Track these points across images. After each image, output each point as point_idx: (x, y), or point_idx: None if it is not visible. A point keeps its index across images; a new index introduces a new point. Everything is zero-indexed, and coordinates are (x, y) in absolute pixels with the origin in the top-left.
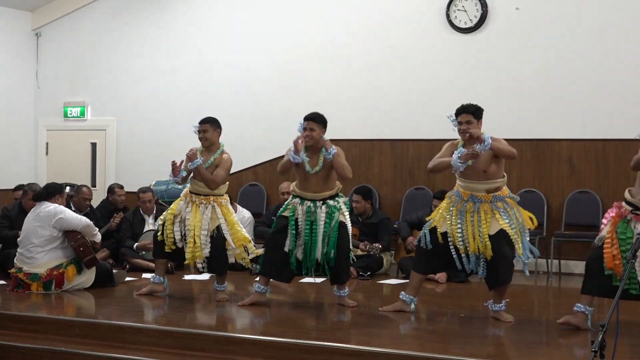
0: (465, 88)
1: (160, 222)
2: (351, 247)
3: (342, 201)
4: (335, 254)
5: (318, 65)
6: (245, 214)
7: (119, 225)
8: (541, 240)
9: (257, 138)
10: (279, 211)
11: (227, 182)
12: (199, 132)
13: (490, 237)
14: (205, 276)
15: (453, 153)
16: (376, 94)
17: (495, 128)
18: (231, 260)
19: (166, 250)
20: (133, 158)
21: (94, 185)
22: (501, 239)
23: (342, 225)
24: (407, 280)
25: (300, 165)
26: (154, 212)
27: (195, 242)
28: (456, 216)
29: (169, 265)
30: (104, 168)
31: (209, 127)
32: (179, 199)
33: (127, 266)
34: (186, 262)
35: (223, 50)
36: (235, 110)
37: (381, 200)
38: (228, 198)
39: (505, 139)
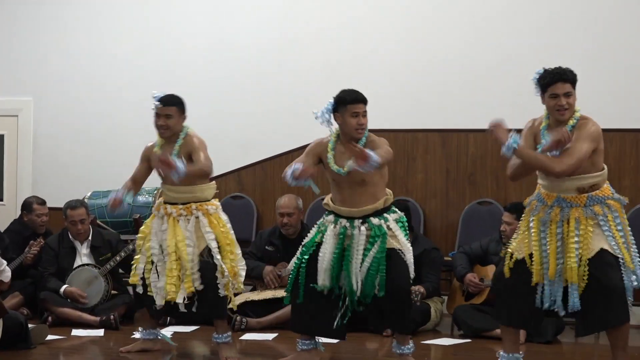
0: (550, 53)
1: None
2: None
3: (393, 218)
4: (383, 293)
5: (328, 32)
6: None
7: (38, 257)
8: None
9: (243, 132)
10: (307, 239)
11: (214, 183)
12: (158, 115)
13: (589, 261)
14: (167, 332)
15: (535, 140)
16: (418, 65)
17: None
18: None
19: (149, 294)
20: (58, 158)
21: (0, 199)
22: (604, 264)
23: (394, 254)
24: (467, 340)
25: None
26: (90, 237)
27: (177, 269)
28: (537, 229)
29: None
30: (15, 172)
31: (175, 111)
32: (151, 217)
33: (50, 318)
34: (168, 298)
35: (195, 12)
36: (212, 95)
37: (427, 221)
38: (219, 204)
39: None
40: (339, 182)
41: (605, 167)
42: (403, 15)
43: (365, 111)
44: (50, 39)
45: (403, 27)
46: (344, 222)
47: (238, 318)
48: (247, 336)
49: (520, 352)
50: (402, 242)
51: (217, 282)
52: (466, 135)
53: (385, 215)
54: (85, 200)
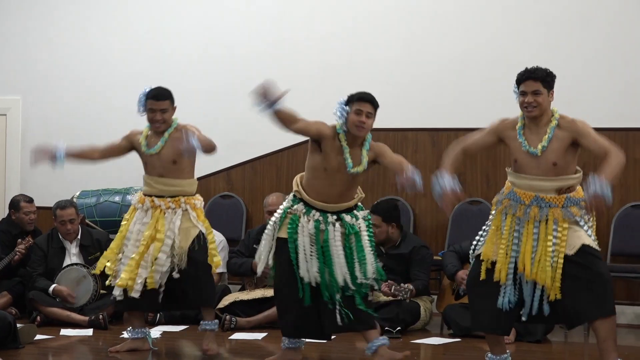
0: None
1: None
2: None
3: (362, 216)
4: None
5: (319, 29)
6: (216, 236)
7: (26, 256)
8: None
9: (232, 130)
10: (270, 232)
11: (196, 180)
12: (153, 111)
13: (569, 258)
14: (157, 331)
15: (499, 138)
16: (409, 64)
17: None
18: None
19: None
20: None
21: None
22: (590, 255)
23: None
24: (457, 340)
25: (328, 149)
26: (79, 236)
27: (137, 259)
28: (510, 227)
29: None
30: (4, 172)
31: (169, 104)
32: (130, 210)
33: (39, 318)
34: (118, 284)
35: (186, 11)
36: (201, 94)
37: (417, 220)
38: (202, 199)
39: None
40: (330, 175)
41: (580, 170)
42: (393, 16)
43: (370, 112)
44: (38, 38)
45: (393, 28)
46: (317, 215)
47: (227, 317)
48: (237, 336)
49: (507, 352)
50: (366, 240)
51: (208, 270)
52: (456, 135)
53: (354, 212)
54: (74, 199)
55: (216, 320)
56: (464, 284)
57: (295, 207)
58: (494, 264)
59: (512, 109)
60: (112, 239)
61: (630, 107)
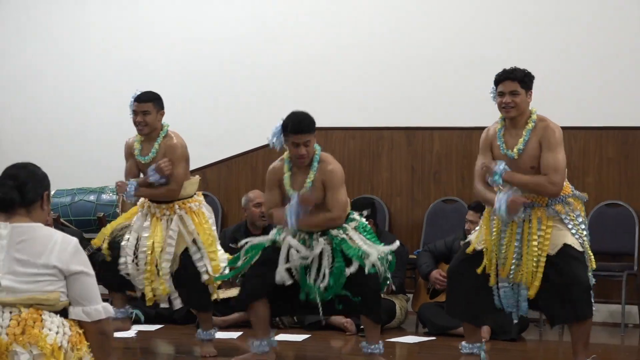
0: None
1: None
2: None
3: (352, 227)
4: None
5: (295, 27)
6: None
7: None
8: (631, 278)
9: (207, 130)
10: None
11: (198, 177)
12: (136, 113)
13: (550, 258)
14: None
15: (493, 150)
16: (384, 63)
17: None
18: None
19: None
20: (22, 157)
21: None
22: (569, 257)
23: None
24: (432, 338)
25: (280, 182)
26: None
27: (153, 272)
28: (498, 228)
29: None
30: None
31: (152, 107)
32: (132, 210)
33: None
34: (148, 304)
35: (161, 10)
36: (176, 93)
37: (392, 218)
38: (202, 199)
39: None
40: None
41: (565, 167)
42: (370, 13)
43: (308, 140)
44: (11, 36)
45: (369, 25)
46: (303, 234)
47: None
48: None
49: (483, 341)
50: (366, 245)
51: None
52: (431, 133)
53: (344, 225)
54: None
55: (213, 330)
56: (437, 284)
57: (281, 236)
58: (478, 255)
59: (487, 108)
60: (86, 238)
61: (604, 107)
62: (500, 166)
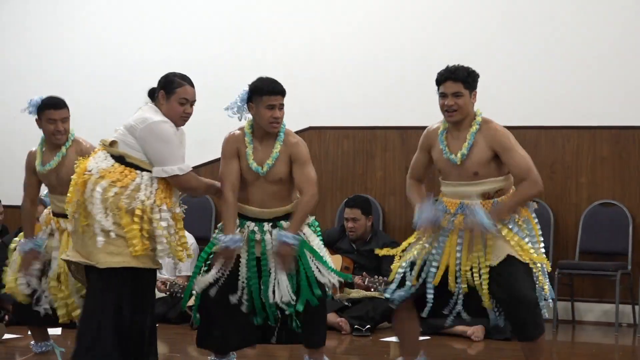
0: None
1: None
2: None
3: (306, 223)
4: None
5: (288, 26)
6: (188, 238)
7: None
8: (625, 277)
9: (200, 130)
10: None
11: None
12: (54, 121)
13: (493, 269)
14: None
15: (430, 150)
16: (378, 63)
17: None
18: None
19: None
20: (13, 155)
21: None
22: (511, 273)
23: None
24: (426, 337)
25: (240, 153)
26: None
27: (63, 291)
28: (435, 239)
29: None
30: None
31: (68, 112)
32: (37, 228)
33: (7, 317)
34: (61, 320)
35: (148, 9)
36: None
37: (386, 218)
38: None
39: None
40: (252, 181)
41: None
42: (361, 11)
43: (282, 104)
44: (3, 33)
45: (361, 23)
46: (251, 225)
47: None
48: None
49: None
50: (318, 244)
51: None
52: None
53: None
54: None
55: (52, 341)
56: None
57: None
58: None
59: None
60: None
61: (598, 106)
62: (482, 217)
